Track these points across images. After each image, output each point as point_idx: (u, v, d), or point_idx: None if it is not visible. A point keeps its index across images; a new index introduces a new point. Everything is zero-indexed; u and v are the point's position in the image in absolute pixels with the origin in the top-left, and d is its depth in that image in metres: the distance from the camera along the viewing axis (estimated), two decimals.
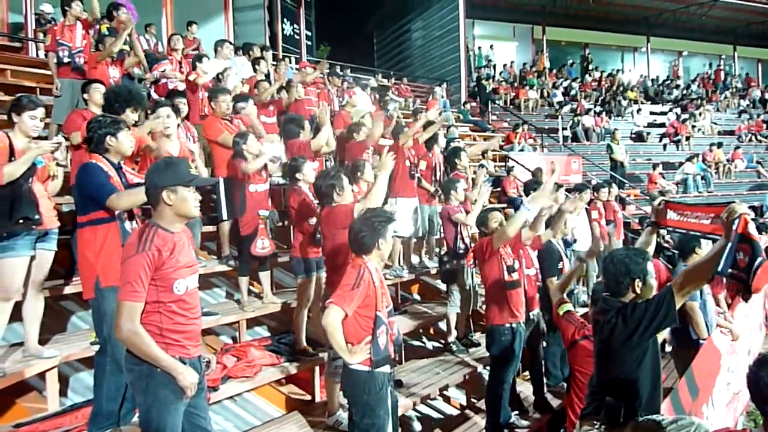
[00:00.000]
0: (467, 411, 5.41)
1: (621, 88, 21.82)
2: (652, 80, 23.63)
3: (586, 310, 7.69)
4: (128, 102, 4.10)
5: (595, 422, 3.03)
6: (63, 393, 4.04)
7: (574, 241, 7.13)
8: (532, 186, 6.91)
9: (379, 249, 3.38)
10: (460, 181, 6.34)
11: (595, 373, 3.12)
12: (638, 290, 2.93)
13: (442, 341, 6.73)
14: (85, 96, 4.96)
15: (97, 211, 3.35)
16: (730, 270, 2.47)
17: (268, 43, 13.47)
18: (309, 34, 17.57)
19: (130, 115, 4.12)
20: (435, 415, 5.53)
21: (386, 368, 3.40)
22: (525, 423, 4.92)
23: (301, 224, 4.87)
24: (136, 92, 4.44)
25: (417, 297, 7.53)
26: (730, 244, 2.48)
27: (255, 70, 8.02)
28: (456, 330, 6.12)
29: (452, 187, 6.11)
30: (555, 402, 5.38)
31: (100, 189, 3.32)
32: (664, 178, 15.54)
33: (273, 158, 5.53)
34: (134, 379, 2.65)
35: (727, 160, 17.50)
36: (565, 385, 5.61)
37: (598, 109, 19.12)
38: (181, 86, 6.87)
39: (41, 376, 3.82)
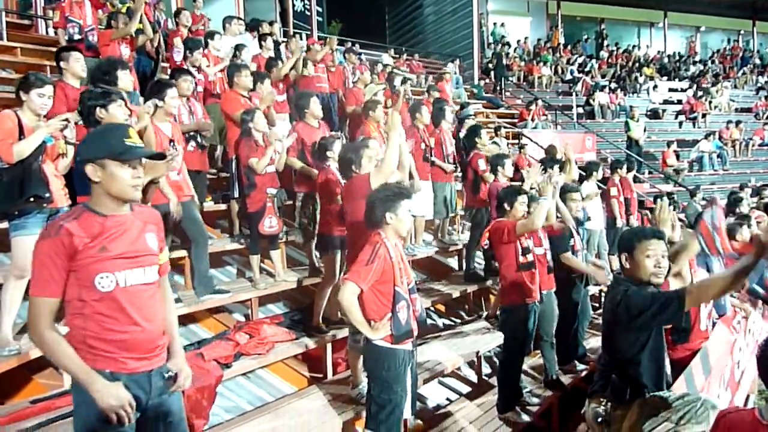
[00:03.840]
0: (479, 388, 5.43)
1: (637, 65, 21.45)
2: (669, 56, 23.21)
3: (598, 288, 7.70)
4: (114, 66, 4.02)
5: (602, 399, 3.06)
6: None
7: (588, 219, 7.08)
8: (547, 163, 6.85)
9: (388, 223, 3.33)
10: (509, 157, 6.33)
11: (602, 351, 3.13)
12: (625, 264, 2.96)
13: (453, 318, 6.75)
14: (62, 64, 4.63)
15: None
16: (756, 286, 2.48)
17: (278, 19, 13.35)
18: (320, 10, 17.37)
19: (125, 78, 4.06)
20: (447, 391, 5.56)
21: (408, 345, 3.40)
22: (536, 400, 4.92)
23: (328, 202, 4.89)
24: (116, 58, 4.35)
25: (424, 276, 7.52)
26: (762, 261, 2.47)
27: (261, 47, 7.96)
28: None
29: (500, 163, 6.12)
30: (566, 381, 5.36)
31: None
32: (678, 157, 15.35)
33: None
34: (73, 396, 2.21)
35: (750, 139, 17.25)
36: (576, 363, 5.62)
37: (613, 85, 18.84)
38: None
39: None
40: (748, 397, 5.10)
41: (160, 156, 2.56)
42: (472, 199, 6.87)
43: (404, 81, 8.99)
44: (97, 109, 3.34)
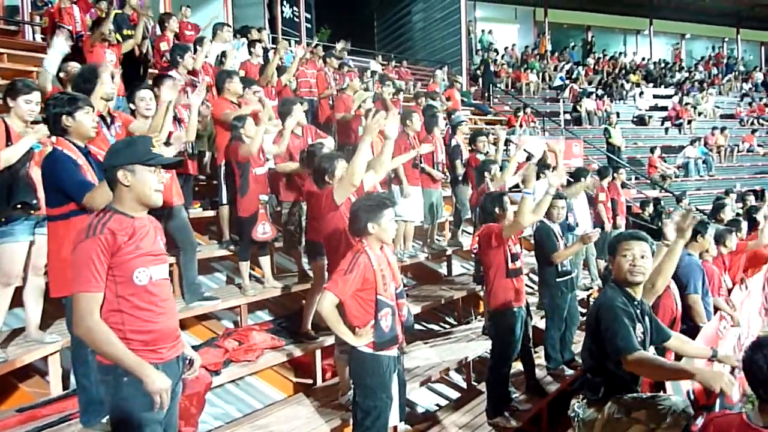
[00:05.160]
0: (468, 393, 5.44)
1: (623, 71, 21.68)
2: (655, 63, 23.48)
3: (588, 293, 7.75)
4: (94, 73, 4.02)
5: (580, 396, 3.13)
6: (65, 378, 4.05)
7: (576, 225, 7.13)
8: (540, 168, 6.92)
9: (371, 232, 3.31)
10: (495, 163, 6.41)
11: (584, 351, 3.20)
12: (611, 266, 3.14)
13: (442, 324, 6.77)
14: (62, 75, 4.79)
15: (69, 204, 3.16)
16: None
17: (267, 26, 13.37)
18: (308, 16, 17.41)
19: (107, 83, 4.06)
20: (436, 397, 5.56)
21: (392, 352, 3.39)
22: (526, 405, 4.94)
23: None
24: (97, 64, 4.38)
25: (413, 281, 7.54)
26: None
27: (250, 53, 7.97)
28: None
29: (487, 169, 6.19)
30: (554, 386, 5.39)
31: (74, 185, 3.10)
32: (665, 161, 15.52)
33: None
34: (104, 392, 2.40)
35: (735, 145, 17.48)
36: (564, 368, 5.65)
37: (599, 92, 19.01)
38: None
39: (43, 361, 3.83)
40: None
41: (179, 163, 2.77)
42: (472, 198, 6.90)
43: (398, 91, 9.03)
44: (63, 116, 3.23)
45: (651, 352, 3.10)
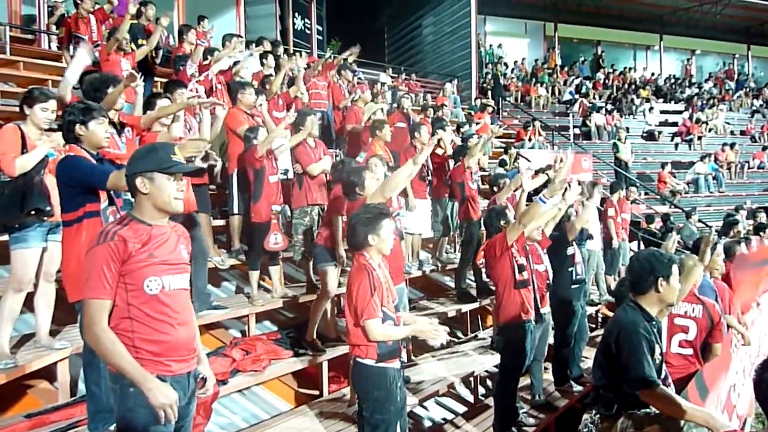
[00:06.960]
0: (476, 408, 5.41)
1: (633, 87, 21.66)
2: (665, 79, 23.45)
3: (596, 308, 7.71)
4: (105, 83, 4.08)
5: (592, 410, 3.12)
6: (73, 384, 4.06)
7: (589, 237, 7.10)
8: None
9: (371, 244, 3.28)
10: (505, 178, 6.40)
11: (596, 367, 3.18)
12: (661, 289, 2.99)
13: (449, 338, 6.74)
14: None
15: (85, 206, 3.19)
16: None
17: (279, 38, 13.48)
18: (320, 29, 17.52)
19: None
20: (443, 412, 5.53)
21: (396, 363, 3.36)
22: (533, 421, 4.90)
23: (334, 217, 4.91)
24: (108, 74, 4.43)
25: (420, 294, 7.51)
26: None
27: (262, 65, 8.03)
28: None
29: (498, 183, 6.32)
30: (562, 401, 5.35)
31: (94, 172, 3.12)
32: (675, 177, 15.47)
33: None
34: (113, 401, 2.38)
35: (745, 162, 17.40)
36: (573, 384, 5.61)
37: (609, 107, 18.99)
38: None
39: (52, 366, 3.85)
40: (745, 420, 5.08)
41: (199, 171, 2.77)
42: (459, 212, 6.90)
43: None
44: (77, 125, 3.25)
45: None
